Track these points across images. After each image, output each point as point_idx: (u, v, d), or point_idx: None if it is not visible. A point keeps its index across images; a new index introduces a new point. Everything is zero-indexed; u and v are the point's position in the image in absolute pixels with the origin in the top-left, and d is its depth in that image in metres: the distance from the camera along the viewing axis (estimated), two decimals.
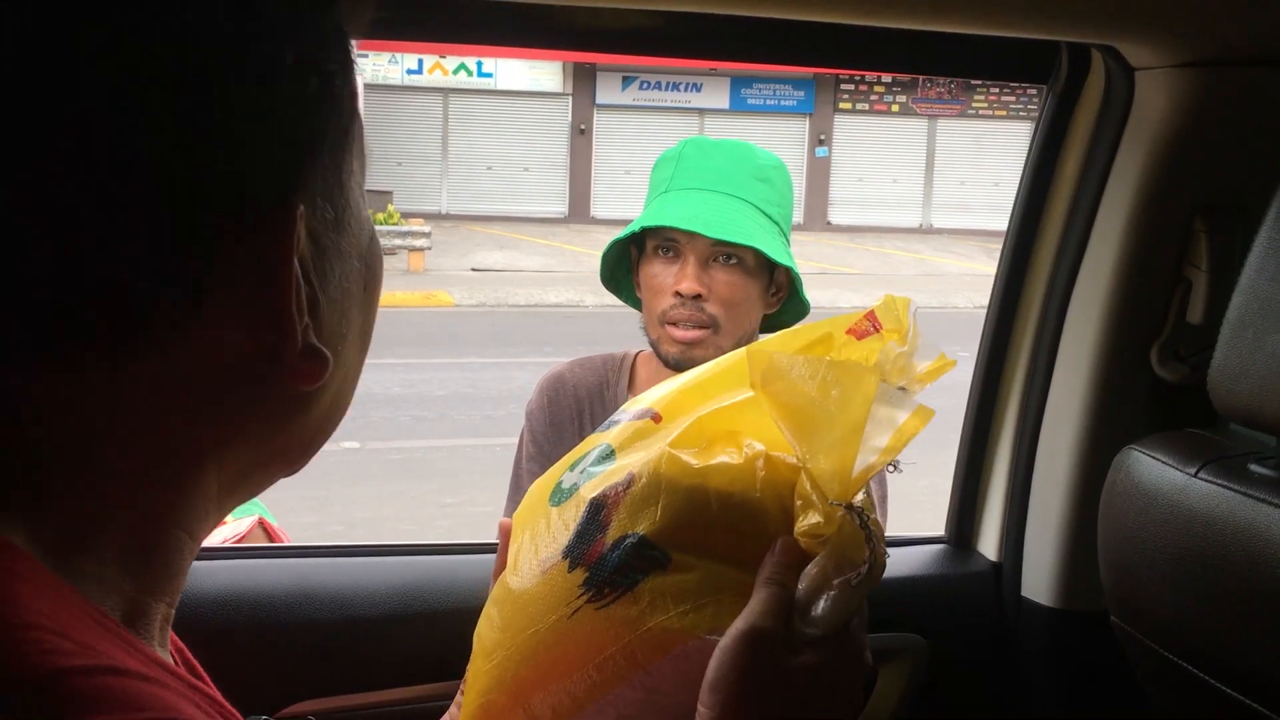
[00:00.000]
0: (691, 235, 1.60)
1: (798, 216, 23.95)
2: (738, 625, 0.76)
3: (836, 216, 24.33)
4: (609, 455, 0.89)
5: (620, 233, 1.70)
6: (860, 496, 0.78)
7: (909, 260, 19.98)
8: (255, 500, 2.15)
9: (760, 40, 1.26)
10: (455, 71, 23.06)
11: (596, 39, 1.30)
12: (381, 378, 9.72)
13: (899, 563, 1.53)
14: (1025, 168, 1.42)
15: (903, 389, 0.80)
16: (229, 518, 2.02)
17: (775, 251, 1.60)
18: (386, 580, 1.30)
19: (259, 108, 0.53)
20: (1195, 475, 1.07)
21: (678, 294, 1.62)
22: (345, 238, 0.60)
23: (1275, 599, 0.98)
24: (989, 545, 1.54)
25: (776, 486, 0.82)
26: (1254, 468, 1.05)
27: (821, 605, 0.76)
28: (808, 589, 0.77)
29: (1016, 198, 1.44)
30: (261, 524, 2.03)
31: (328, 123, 0.57)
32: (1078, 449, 1.39)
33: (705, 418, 0.87)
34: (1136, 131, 1.30)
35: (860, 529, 0.76)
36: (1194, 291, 1.31)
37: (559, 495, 0.90)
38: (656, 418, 0.89)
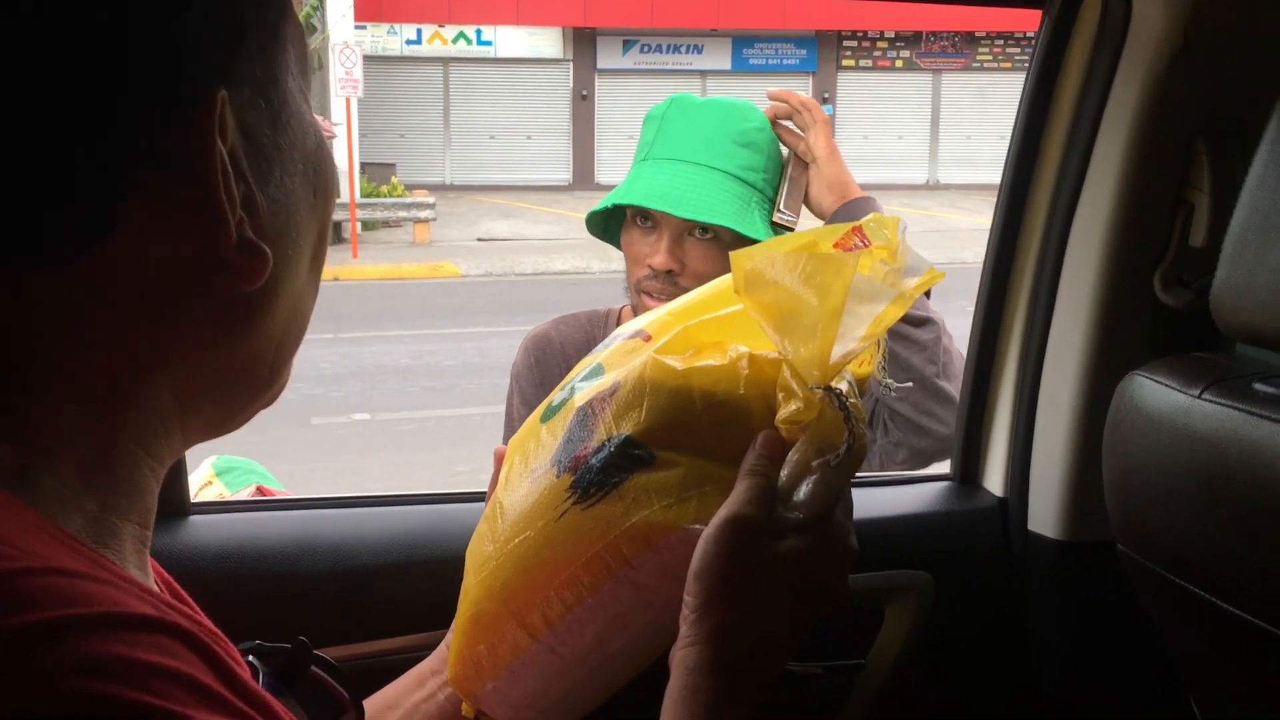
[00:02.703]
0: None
1: None
2: (720, 514, 0.76)
3: None
4: (598, 371, 0.90)
5: (596, 205, 1.69)
6: (844, 384, 0.78)
7: (917, 216, 19.87)
8: (254, 465, 2.14)
9: None
10: (454, 40, 22.95)
11: None
12: (390, 349, 9.75)
13: (905, 500, 1.53)
14: (1023, 95, 1.40)
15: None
16: (225, 492, 2.02)
17: (750, 228, 1.57)
18: (389, 530, 1.29)
19: None
20: (1199, 397, 1.06)
21: (651, 267, 1.60)
22: (284, 136, 0.59)
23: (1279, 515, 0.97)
24: (995, 481, 1.53)
25: (760, 384, 0.82)
26: (1258, 386, 1.04)
27: (804, 489, 0.77)
28: (790, 475, 0.77)
29: (1015, 125, 1.42)
30: (260, 491, 2.02)
31: (252, 14, 0.57)
32: (1081, 379, 1.38)
33: (692, 328, 0.88)
34: (1133, 54, 1.27)
35: (839, 410, 0.76)
36: (1196, 215, 1.29)
37: (549, 413, 0.92)
38: (647, 337, 0.90)
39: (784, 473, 0.78)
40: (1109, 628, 1.43)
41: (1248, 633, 1.05)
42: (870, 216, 0.85)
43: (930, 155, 24.78)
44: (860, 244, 0.82)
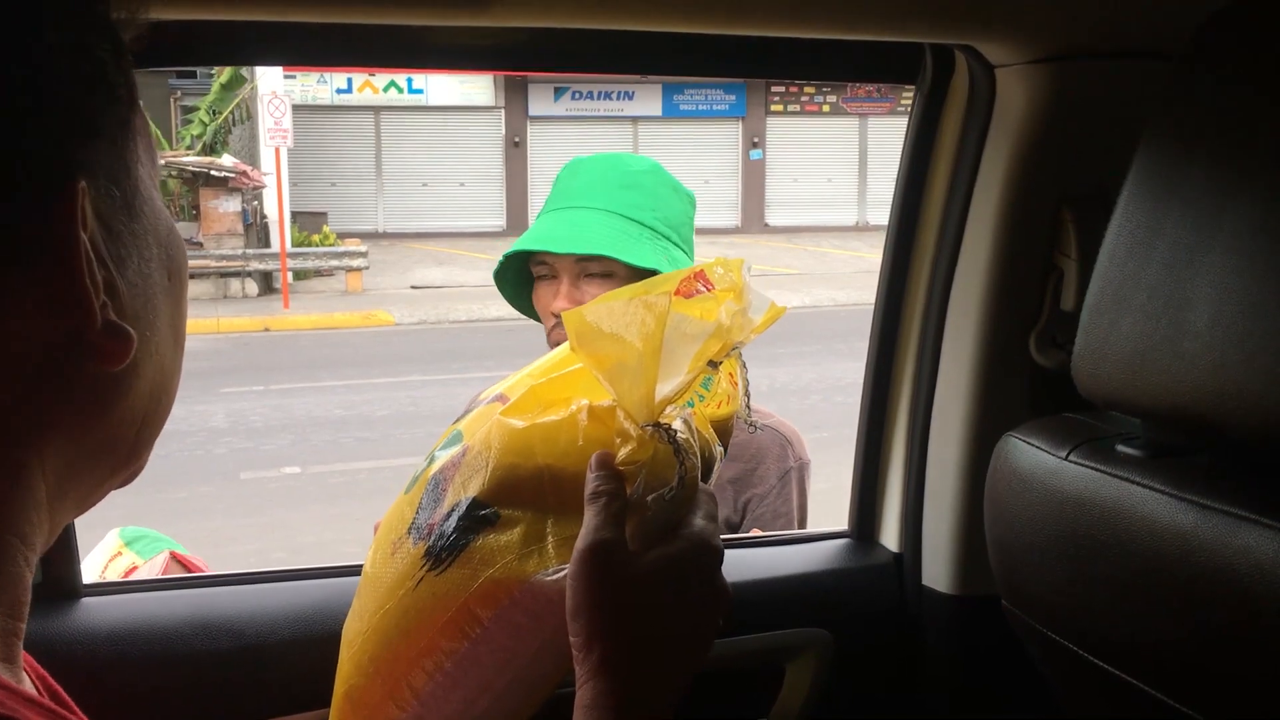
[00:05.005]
0: (558, 255, 1.62)
1: (735, 220, 24.08)
2: (578, 546, 0.77)
3: (773, 218, 24.51)
4: (457, 439, 0.92)
5: (493, 268, 1.73)
6: (679, 421, 0.81)
7: (846, 258, 20.17)
8: (159, 536, 2.11)
9: (619, 51, 1.27)
10: (385, 89, 22.94)
11: (527, 57, 1.30)
12: (322, 400, 9.63)
13: (803, 559, 1.56)
14: (900, 167, 1.45)
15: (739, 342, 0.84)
16: (138, 560, 1.99)
17: (635, 256, 1.60)
18: (285, 605, 1.29)
19: (30, 89, 0.54)
20: (1066, 458, 1.10)
21: (555, 315, 1.63)
22: (139, 223, 0.62)
23: (1141, 575, 1.00)
24: (890, 537, 1.56)
25: (599, 434, 0.85)
26: (1121, 448, 1.08)
27: (645, 523, 0.79)
28: (629, 509, 0.80)
29: (894, 196, 1.47)
30: (175, 558, 1.99)
31: (104, 107, 0.59)
32: (965, 438, 1.42)
33: (539, 388, 0.90)
34: (1000, 127, 1.33)
35: (669, 445, 0.79)
36: (1066, 279, 1.35)
37: (411, 484, 0.93)
38: (503, 399, 0.92)
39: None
40: (1003, 680, 1.47)
41: (1123, 689, 1.08)
42: (715, 260, 0.88)
43: (859, 197, 25.18)
44: (703, 288, 0.85)
